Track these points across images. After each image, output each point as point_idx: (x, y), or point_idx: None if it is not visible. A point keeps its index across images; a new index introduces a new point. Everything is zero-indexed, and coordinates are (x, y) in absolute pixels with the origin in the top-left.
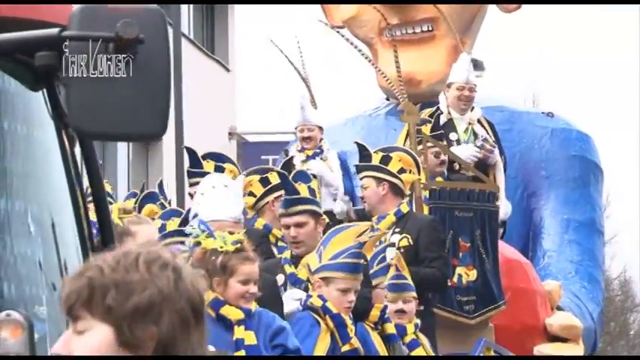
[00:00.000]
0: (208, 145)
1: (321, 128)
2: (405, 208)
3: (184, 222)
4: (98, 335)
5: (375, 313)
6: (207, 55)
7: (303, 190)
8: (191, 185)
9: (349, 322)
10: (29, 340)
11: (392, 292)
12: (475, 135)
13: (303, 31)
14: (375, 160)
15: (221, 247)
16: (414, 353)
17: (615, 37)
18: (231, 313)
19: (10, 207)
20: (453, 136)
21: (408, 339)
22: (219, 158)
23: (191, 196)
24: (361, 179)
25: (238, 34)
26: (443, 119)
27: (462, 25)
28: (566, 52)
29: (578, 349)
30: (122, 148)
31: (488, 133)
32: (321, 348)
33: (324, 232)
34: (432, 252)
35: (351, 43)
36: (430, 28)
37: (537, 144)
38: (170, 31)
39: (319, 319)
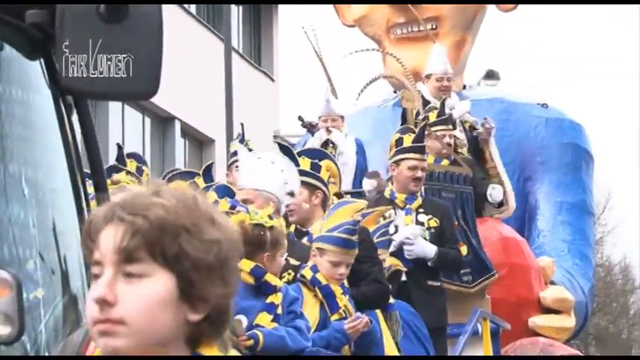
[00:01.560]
0: (256, 146)
1: (342, 118)
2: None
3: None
4: (160, 283)
5: None
6: (254, 66)
7: (304, 163)
8: None
9: (339, 292)
10: (17, 299)
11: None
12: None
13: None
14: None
15: (266, 222)
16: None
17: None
18: (274, 280)
19: (3, 170)
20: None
21: None
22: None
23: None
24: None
25: (282, 49)
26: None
27: (463, 23)
28: (562, 51)
29: (570, 321)
30: (179, 150)
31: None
32: (312, 319)
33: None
34: (454, 235)
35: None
36: (434, 27)
37: (533, 132)
38: (222, 46)
39: (306, 291)
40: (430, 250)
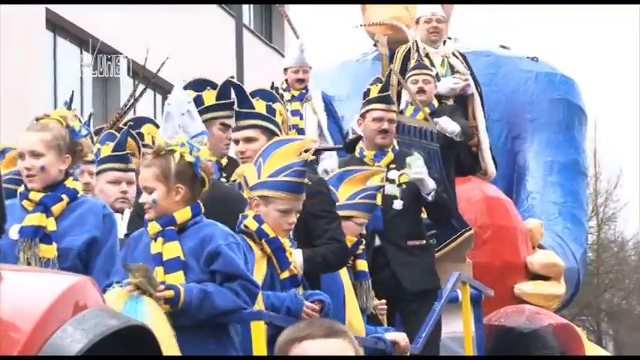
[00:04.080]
0: None
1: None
2: (397, 145)
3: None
4: None
5: None
6: (265, 43)
7: (259, 106)
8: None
9: (288, 245)
10: None
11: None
12: (452, 68)
13: None
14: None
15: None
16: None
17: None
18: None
19: None
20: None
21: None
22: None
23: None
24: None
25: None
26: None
27: None
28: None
29: (559, 288)
30: None
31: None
32: (258, 277)
33: None
34: (438, 180)
35: None
36: None
37: (522, 87)
38: (233, 22)
39: (253, 245)
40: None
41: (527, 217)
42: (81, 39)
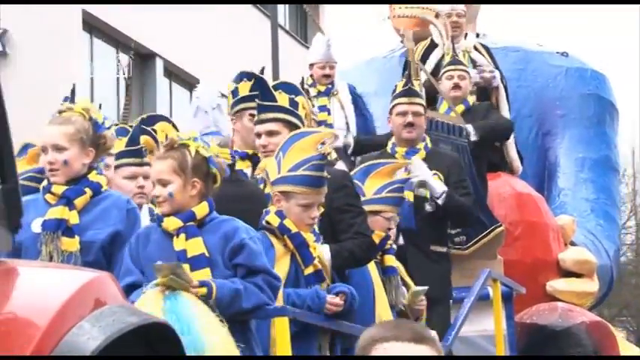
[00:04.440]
0: None
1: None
2: (430, 143)
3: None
4: None
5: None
6: (300, 43)
7: (282, 99)
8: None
9: (312, 240)
10: None
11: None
12: (473, 62)
13: None
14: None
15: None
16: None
17: None
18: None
19: None
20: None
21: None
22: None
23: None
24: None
25: (327, 26)
26: (439, 51)
27: None
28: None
29: (592, 285)
30: None
31: (485, 58)
32: (280, 273)
33: None
34: (463, 189)
35: None
36: None
37: (552, 83)
38: (268, 22)
39: (275, 241)
40: (440, 185)
41: (560, 214)
42: (117, 40)
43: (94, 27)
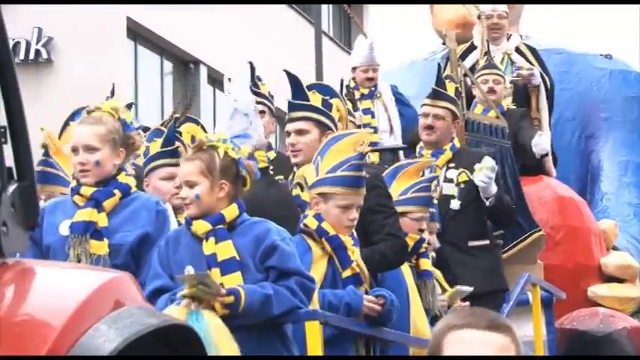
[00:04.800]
0: None
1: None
2: (458, 143)
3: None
4: None
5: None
6: (344, 49)
7: (315, 99)
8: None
9: (350, 243)
10: None
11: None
12: (513, 63)
13: None
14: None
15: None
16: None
17: None
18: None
19: None
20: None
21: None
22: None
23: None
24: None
25: (370, 28)
26: (476, 54)
27: None
28: None
29: (635, 290)
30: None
31: (528, 60)
32: (318, 276)
33: None
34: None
35: None
36: None
37: (596, 85)
38: (312, 29)
39: (313, 244)
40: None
41: (602, 219)
42: (161, 47)
43: (138, 34)
